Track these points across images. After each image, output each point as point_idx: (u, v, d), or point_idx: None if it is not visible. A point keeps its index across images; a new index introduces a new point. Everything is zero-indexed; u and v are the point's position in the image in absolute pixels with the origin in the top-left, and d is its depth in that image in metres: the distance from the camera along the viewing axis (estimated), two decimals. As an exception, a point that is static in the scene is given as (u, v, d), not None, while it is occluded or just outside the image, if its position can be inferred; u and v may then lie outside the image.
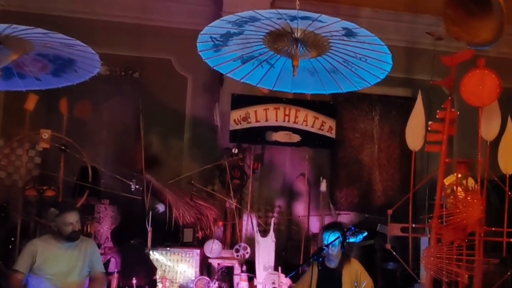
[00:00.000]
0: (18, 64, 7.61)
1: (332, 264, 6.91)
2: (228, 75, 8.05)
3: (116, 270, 8.40)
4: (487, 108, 7.67)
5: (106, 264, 7.68)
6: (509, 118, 7.77)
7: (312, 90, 8.73)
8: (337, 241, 6.80)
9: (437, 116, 7.86)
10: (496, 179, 7.75)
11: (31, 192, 9.00)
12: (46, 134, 8.96)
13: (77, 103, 9.83)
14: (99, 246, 7.33)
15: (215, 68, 7.83)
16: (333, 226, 7.22)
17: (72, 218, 6.51)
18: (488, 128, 7.68)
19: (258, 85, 8.39)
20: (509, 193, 7.53)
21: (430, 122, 7.87)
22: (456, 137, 8.67)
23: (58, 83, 8.10)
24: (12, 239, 8.85)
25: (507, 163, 7.66)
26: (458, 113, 7.89)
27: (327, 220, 10.34)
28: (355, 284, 6.85)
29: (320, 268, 6.72)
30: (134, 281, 8.27)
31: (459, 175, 7.80)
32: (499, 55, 10.68)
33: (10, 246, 8.89)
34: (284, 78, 8.04)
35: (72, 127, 9.73)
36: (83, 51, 7.35)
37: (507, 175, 7.60)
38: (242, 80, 8.07)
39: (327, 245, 6.71)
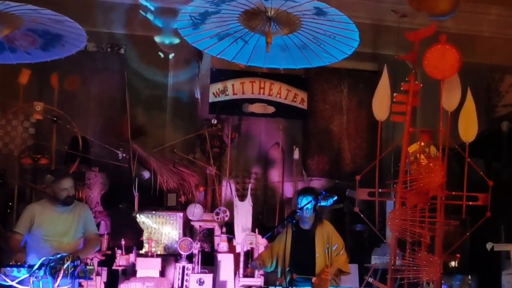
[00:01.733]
0: (9, 39, 7.57)
1: (306, 226, 6.96)
2: (205, 51, 8.07)
3: (106, 232, 8.46)
4: (448, 80, 7.71)
5: (97, 227, 7.68)
6: (468, 90, 7.82)
7: (283, 65, 8.76)
8: (309, 204, 6.84)
9: (401, 89, 7.89)
10: (456, 147, 7.82)
11: (26, 160, 9.00)
12: (39, 106, 8.94)
13: (67, 78, 9.78)
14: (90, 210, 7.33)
15: (193, 44, 7.84)
16: (306, 191, 7.26)
17: (67, 184, 6.52)
18: (449, 100, 7.73)
19: (233, 61, 8.41)
20: (469, 160, 7.61)
21: (395, 94, 7.89)
22: (420, 108, 8.70)
23: (47, 57, 8.06)
24: (10, 203, 8.86)
25: (467, 132, 7.72)
26: (421, 85, 7.94)
27: (300, 185, 10.42)
28: (327, 245, 6.91)
29: (294, 229, 6.77)
30: (122, 242, 8.34)
31: (422, 143, 7.84)
32: (460, 31, 10.73)
33: (8, 210, 8.90)
34: (258, 54, 8.08)
35: (63, 100, 9.71)
36: (70, 27, 7.35)
37: (467, 143, 7.68)
38: (218, 56, 8.11)
39: (301, 208, 6.75)
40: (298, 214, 6.75)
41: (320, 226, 6.98)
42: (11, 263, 5.86)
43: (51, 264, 5.65)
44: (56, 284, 5.61)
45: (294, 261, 6.50)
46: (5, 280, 5.60)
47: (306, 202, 6.79)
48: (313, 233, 6.92)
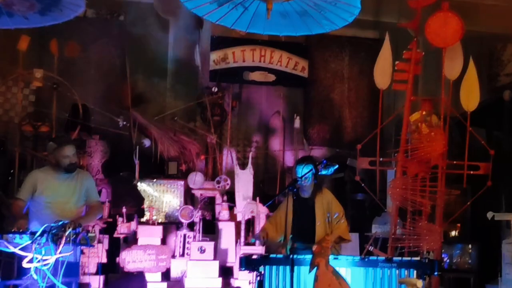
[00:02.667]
0: (7, 4, 7.49)
1: (306, 194, 6.96)
2: (204, 17, 7.98)
3: (107, 200, 8.48)
4: (450, 48, 7.72)
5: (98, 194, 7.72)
6: (470, 58, 7.82)
7: (283, 32, 8.67)
8: (310, 173, 6.84)
9: (403, 57, 7.89)
10: (458, 115, 7.84)
11: (27, 127, 9.00)
12: (39, 73, 8.96)
13: (67, 44, 9.74)
14: (91, 178, 7.36)
15: (192, 10, 7.77)
16: (306, 160, 7.25)
17: (69, 151, 6.52)
18: (451, 68, 7.74)
19: (232, 27, 8.32)
20: (470, 129, 7.63)
21: (396, 62, 7.90)
22: (421, 76, 8.72)
23: (45, 22, 7.99)
24: (11, 171, 8.90)
25: (469, 101, 7.74)
26: (423, 53, 7.93)
27: (301, 154, 10.44)
28: (328, 214, 6.93)
29: (294, 198, 6.79)
30: (124, 210, 8.37)
31: (424, 112, 7.87)
32: (463, -1, 10.69)
33: (9, 178, 8.93)
34: (257, 20, 7.99)
35: (63, 66, 9.70)
36: None
37: (468, 112, 7.69)
38: (217, 22, 8.01)
39: (301, 177, 6.76)
40: (298, 182, 6.76)
41: (320, 194, 6.98)
42: (13, 230, 5.88)
43: (53, 231, 5.67)
44: (58, 251, 5.63)
45: (294, 229, 6.52)
46: (8, 247, 5.63)
47: (306, 171, 6.80)
48: (313, 202, 6.92)
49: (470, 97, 7.77)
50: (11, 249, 5.61)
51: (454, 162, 7.70)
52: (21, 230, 5.85)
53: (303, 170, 6.79)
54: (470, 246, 9.25)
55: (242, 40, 10.39)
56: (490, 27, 10.84)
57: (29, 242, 5.62)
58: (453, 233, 9.54)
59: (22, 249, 5.62)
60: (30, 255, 5.59)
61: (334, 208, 7.00)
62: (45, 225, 5.70)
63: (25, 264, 5.61)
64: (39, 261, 5.61)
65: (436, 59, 7.87)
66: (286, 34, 8.77)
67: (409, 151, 7.73)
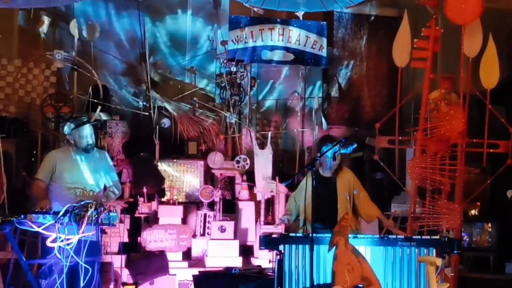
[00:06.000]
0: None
1: (327, 173, 6.98)
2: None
3: (128, 180, 8.55)
4: (470, 26, 7.63)
5: (119, 175, 7.77)
6: (490, 36, 7.74)
7: (298, 9, 8.64)
8: (330, 151, 6.84)
9: (422, 34, 7.83)
10: (477, 93, 7.79)
11: (49, 108, 9.07)
12: (59, 54, 9.02)
13: (86, 25, 9.78)
14: (112, 158, 7.41)
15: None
16: (326, 139, 7.26)
17: (87, 132, 6.60)
18: (471, 45, 7.67)
19: (247, 4, 8.23)
20: (490, 106, 7.59)
21: (415, 40, 7.84)
22: (440, 54, 8.63)
23: (62, 1, 8.01)
24: (34, 152, 8.99)
25: (488, 78, 7.67)
26: (442, 31, 7.88)
27: (320, 134, 10.45)
28: (353, 192, 6.92)
29: (314, 177, 6.81)
30: (144, 190, 8.44)
31: (443, 90, 7.81)
32: (482, -24, 10.57)
33: (32, 159, 9.02)
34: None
35: (83, 48, 9.76)
36: None
37: (488, 90, 7.64)
38: (232, -1, 7.93)
39: (321, 155, 6.76)
40: (318, 161, 6.76)
41: (341, 173, 6.99)
42: (36, 210, 5.96)
43: (76, 211, 5.75)
44: (81, 230, 5.71)
45: (315, 209, 6.54)
46: (31, 226, 5.71)
47: (326, 150, 6.80)
48: (334, 181, 6.94)
49: (490, 74, 7.70)
50: (35, 228, 5.70)
51: (474, 140, 7.66)
52: (44, 210, 5.93)
53: (324, 149, 6.76)
54: (489, 224, 9.23)
55: (260, 19, 10.42)
56: (509, 4, 10.73)
57: (52, 221, 5.70)
58: (473, 211, 9.52)
59: (46, 228, 5.71)
60: (53, 235, 5.68)
61: (355, 186, 7.02)
62: (68, 205, 5.78)
63: (49, 244, 5.70)
64: (62, 241, 5.70)
65: (455, 37, 7.80)
66: (301, 10, 8.76)
67: (428, 129, 7.67)
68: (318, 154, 6.72)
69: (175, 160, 9.46)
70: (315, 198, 6.40)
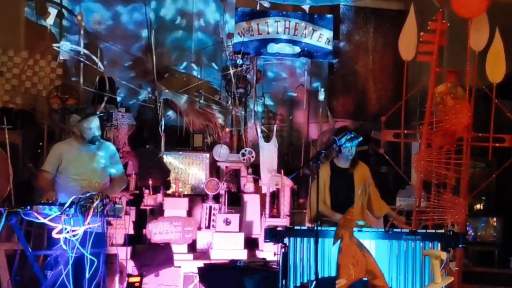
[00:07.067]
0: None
1: (344, 164, 6.90)
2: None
3: (133, 172, 8.56)
4: (476, 19, 7.61)
5: (125, 167, 7.77)
6: (497, 29, 7.71)
7: (303, 2, 8.61)
8: (353, 142, 6.74)
9: (428, 28, 7.81)
10: (484, 87, 7.77)
11: (55, 100, 9.07)
12: (65, 46, 9.03)
13: (92, 17, 9.79)
14: (117, 150, 7.41)
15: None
16: (343, 130, 7.14)
17: (93, 124, 6.59)
18: (477, 39, 7.65)
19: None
20: (496, 101, 7.58)
21: (421, 33, 7.82)
22: (447, 47, 8.61)
23: None
24: (40, 143, 9.00)
25: (495, 72, 7.65)
26: (449, 24, 7.86)
27: (325, 127, 10.45)
28: (363, 186, 6.88)
29: (331, 167, 6.76)
30: (150, 182, 8.45)
31: (449, 84, 7.79)
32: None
33: (39, 150, 9.04)
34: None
35: (89, 39, 9.77)
36: None
37: (494, 84, 7.62)
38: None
39: (339, 146, 6.67)
40: (335, 148, 6.66)
41: (358, 166, 6.94)
42: (42, 201, 5.97)
43: (81, 203, 5.77)
44: (87, 222, 5.73)
45: (333, 199, 6.53)
46: (37, 218, 5.73)
47: (348, 137, 6.71)
48: (352, 173, 6.89)
49: (496, 68, 7.68)
50: (41, 219, 5.72)
51: (480, 134, 7.66)
52: (50, 202, 5.95)
53: (342, 140, 6.69)
54: (494, 219, 9.24)
55: (266, 12, 10.41)
56: (517, -3, 10.72)
57: (58, 213, 5.72)
58: (478, 206, 9.53)
59: (52, 220, 5.74)
60: (59, 226, 5.71)
61: (369, 181, 6.99)
62: (73, 197, 5.80)
63: (54, 235, 5.72)
64: (68, 232, 5.73)
65: (461, 30, 7.78)
66: (307, 4, 8.76)
67: (434, 123, 7.67)
68: (337, 143, 6.62)
69: (180, 153, 9.48)
70: (333, 189, 6.40)
